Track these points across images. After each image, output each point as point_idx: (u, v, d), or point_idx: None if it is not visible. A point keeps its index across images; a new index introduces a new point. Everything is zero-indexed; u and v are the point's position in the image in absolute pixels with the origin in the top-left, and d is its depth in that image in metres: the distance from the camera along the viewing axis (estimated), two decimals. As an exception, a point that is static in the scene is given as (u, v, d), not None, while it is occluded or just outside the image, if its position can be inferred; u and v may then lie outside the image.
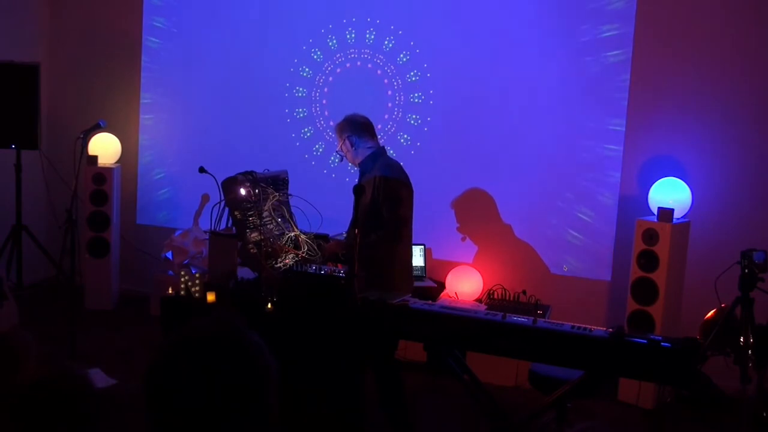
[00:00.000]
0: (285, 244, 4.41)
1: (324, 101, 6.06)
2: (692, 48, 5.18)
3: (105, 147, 6.35)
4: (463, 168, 5.69)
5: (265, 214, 4.39)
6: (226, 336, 1.40)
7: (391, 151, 5.70)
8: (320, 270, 3.97)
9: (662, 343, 3.17)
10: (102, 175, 6.21)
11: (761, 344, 3.69)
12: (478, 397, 3.67)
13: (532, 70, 5.51)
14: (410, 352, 4.91)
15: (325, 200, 4.69)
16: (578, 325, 3.36)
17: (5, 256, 6.08)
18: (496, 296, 4.78)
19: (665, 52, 5.23)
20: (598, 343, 3.25)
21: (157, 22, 6.54)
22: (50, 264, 6.25)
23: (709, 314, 4.04)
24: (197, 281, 4.45)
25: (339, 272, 3.91)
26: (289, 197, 4.69)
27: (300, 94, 6.12)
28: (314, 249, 4.43)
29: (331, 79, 6.04)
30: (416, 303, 3.64)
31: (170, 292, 4.48)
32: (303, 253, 4.39)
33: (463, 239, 5.71)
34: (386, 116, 5.86)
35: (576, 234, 5.47)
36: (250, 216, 4.35)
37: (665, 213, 4.84)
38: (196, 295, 4.41)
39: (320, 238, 4.53)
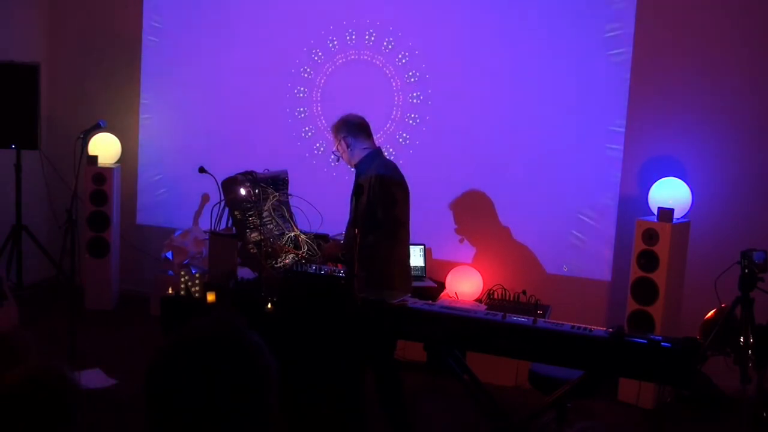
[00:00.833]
0: (285, 244, 4.41)
1: (324, 101, 6.06)
2: (692, 48, 5.18)
3: (105, 147, 6.35)
4: (462, 168, 5.69)
5: (265, 214, 4.39)
6: (226, 336, 1.40)
7: (391, 150, 5.74)
8: (320, 270, 3.97)
9: (662, 343, 3.17)
10: (102, 175, 6.21)
11: (761, 344, 3.70)
12: (478, 397, 3.67)
13: (532, 70, 5.51)
14: (410, 352, 4.91)
15: (325, 200, 4.69)
16: (578, 325, 3.36)
17: (5, 256, 6.08)
18: (496, 296, 4.77)
19: (665, 52, 5.23)
20: (598, 343, 3.25)
21: (156, 22, 6.53)
22: (50, 264, 6.25)
23: (709, 314, 4.04)
24: (197, 281, 4.45)
25: (339, 272, 3.91)
26: (289, 197, 4.69)
27: (301, 95, 6.13)
28: (314, 249, 4.43)
29: (331, 79, 6.05)
30: (416, 303, 3.64)
31: (170, 292, 4.48)
32: (303, 253, 4.40)
33: (461, 241, 5.71)
34: (385, 116, 5.86)
35: (576, 234, 5.47)
36: (250, 216, 4.35)
37: (665, 213, 4.84)
38: (196, 295, 4.41)
39: (320, 238, 4.53)
